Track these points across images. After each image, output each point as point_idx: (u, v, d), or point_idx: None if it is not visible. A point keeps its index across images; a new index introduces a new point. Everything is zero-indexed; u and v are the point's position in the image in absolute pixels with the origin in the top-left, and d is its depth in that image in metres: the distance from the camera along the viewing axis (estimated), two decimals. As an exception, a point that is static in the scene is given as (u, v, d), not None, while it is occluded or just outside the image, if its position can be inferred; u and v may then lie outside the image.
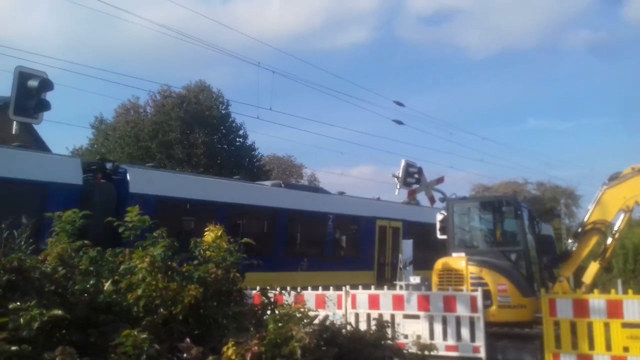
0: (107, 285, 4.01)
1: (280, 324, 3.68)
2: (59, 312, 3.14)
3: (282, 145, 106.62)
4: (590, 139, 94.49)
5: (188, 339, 3.38)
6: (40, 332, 3.14)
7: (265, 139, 65.07)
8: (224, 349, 3.18)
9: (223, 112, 27.67)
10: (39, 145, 32.09)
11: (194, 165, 25.46)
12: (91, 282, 4.05)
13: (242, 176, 28.04)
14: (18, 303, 3.20)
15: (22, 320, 3.06)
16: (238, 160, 27.86)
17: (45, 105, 9.34)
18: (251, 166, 28.61)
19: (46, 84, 9.25)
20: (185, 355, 3.21)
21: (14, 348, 2.78)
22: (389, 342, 4.69)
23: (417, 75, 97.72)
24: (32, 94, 9.14)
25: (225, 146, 27.72)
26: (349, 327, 4.86)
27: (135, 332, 3.08)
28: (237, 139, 28.34)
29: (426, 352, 4.49)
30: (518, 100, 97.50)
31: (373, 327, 4.96)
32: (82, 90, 38.22)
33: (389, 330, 5.01)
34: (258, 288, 5.09)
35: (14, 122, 9.50)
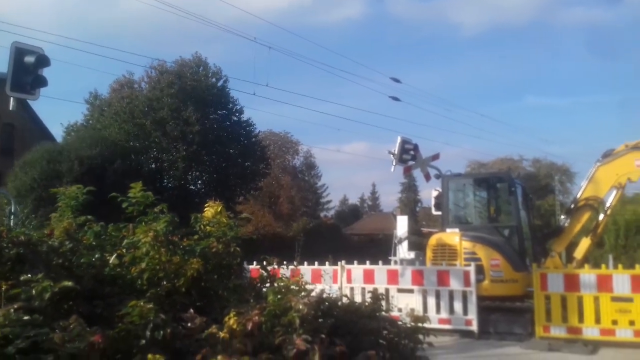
0: (112, 259, 4.14)
1: (279, 296, 3.81)
2: (69, 283, 3.28)
3: (278, 122, 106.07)
4: (587, 117, 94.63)
5: (192, 310, 3.51)
6: (49, 303, 3.27)
7: (261, 115, 64.75)
8: (226, 319, 3.31)
9: (220, 87, 27.40)
10: (35, 121, 31.98)
11: (189, 142, 25.33)
12: (96, 255, 4.18)
13: (237, 151, 27.94)
14: (29, 275, 3.33)
15: (34, 291, 3.19)
16: (234, 136, 27.69)
17: (42, 81, 9.33)
18: (247, 142, 28.48)
19: (43, 60, 9.23)
20: (189, 324, 3.35)
21: (26, 317, 2.91)
22: (384, 313, 4.84)
23: (412, 51, 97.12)
24: (28, 70, 9.12)
25: (222, 122, 27.54)
26: (344, 300, 5.01)
27: (142, 303, 3.21)
28: (234, 115, 28.13)
29: (419, 324, 4.63)
30: (514, 77, 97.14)
31: (368, 300, 5.11)
32: (76, 65, 37.77)
33: (383, 303, 5.16)
34: (255, 263, 5.23)
35: (11, 98, 9.51)
